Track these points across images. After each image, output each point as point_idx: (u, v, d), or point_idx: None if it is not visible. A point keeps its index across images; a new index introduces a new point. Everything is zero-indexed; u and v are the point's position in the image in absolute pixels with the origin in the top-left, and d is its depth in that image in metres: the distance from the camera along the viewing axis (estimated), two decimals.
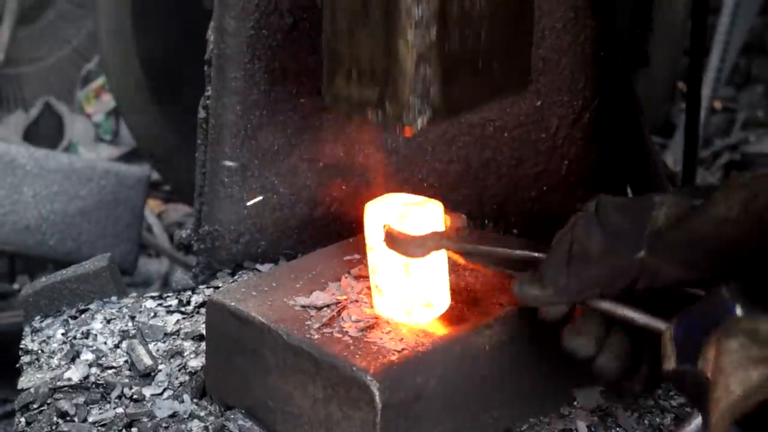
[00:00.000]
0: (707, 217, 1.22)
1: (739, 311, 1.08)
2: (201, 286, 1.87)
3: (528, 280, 1.34)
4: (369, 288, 1.53)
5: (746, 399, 1.02)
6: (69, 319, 1.77)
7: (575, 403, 1.54)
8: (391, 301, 1.47)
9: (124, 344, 1.70)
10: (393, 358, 1.39)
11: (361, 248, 1.64)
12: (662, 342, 1.19)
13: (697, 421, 1.39)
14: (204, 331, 1.64)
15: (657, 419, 1.52)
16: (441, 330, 1.45)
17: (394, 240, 1.44)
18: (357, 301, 1.51)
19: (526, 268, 1.39)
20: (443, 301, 1.48)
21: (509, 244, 1.45)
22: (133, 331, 1.72)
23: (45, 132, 4.53)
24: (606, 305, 1.32)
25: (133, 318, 1.76)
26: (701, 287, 1.22)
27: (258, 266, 1.88)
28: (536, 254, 1.41)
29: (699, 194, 1.25)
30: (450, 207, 1.50)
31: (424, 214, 1.46)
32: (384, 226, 1.44)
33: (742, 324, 1.06)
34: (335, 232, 1.90)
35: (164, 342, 1.70)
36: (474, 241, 1.44)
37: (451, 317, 1.48)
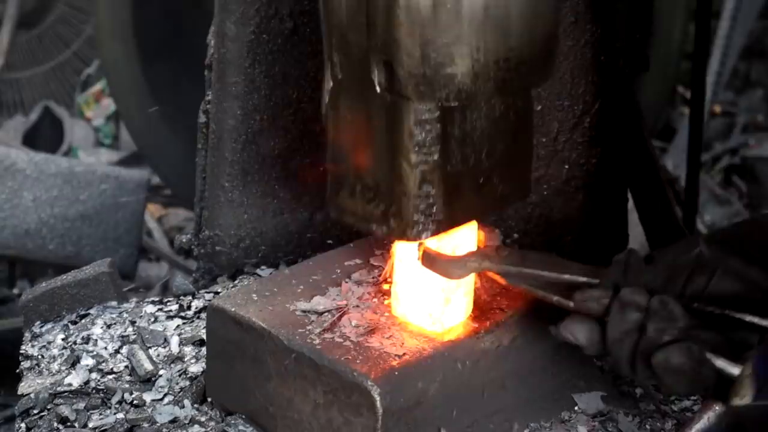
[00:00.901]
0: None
1: None
2: (201, 291, 1.86)
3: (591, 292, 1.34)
4: (370, 293, 1.53)
5: None
6: (69, 324, 1.77)
7: (576, 407, 1.53)
8: (413, 307, 1.47)
9: (124, 349, 1.69)
10: (394, 363, 1.39)
11: (361, 253, 1.64)
12: (740, 379, 1.21)
13: (699, 426, 1.39)
14: (204, 336, 1.64)
15: (658, 424, 1.52)
16: (442, 335, 1.44)
17: (432, 260, 1.42)
18: (358, 306, 1.51)
19: (571, 293, 1.39)
20: (466, 305, 1.48)
21: (553, 266, 1.44)
22: (134, 336, 1.72)
23: (45, 136, 4.52)
24: (556, 298, 1.37)
25: (133, 323, 1.76)
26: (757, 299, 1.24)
27: (258, 271, 1.88)
28: (582, 279, 1.41)
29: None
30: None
31: (461, 232, 1.46)
32: (420, 246, 1.43)
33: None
34: (336, 237, 1.90)
35: (165, 347, 1.70)
36: (517, 263, 1.43)
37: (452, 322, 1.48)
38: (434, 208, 1.36)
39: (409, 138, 1.32)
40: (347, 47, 1.34)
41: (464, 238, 1.47)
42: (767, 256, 1.28)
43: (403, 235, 1.38)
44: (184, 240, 1.98)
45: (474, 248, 1.46)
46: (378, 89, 1.33)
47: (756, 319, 1.28)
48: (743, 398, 1.19)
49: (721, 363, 1.26)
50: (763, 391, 1.18)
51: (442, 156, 1.34)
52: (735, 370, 1.25)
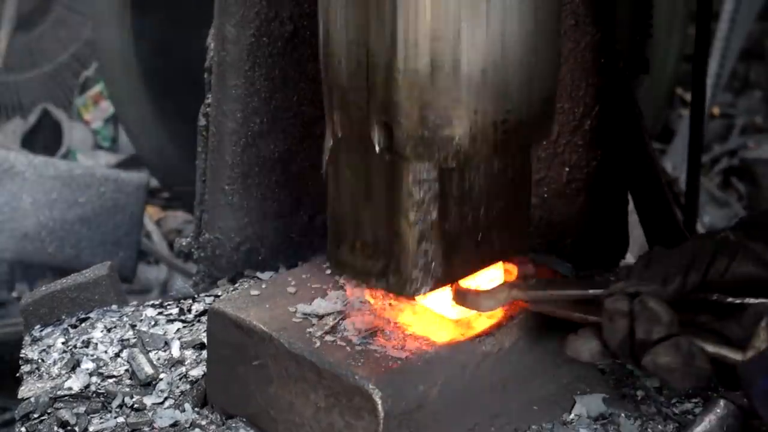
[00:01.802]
0: None
1: None
2: (201, 295, 1.86)
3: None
4: (371, 296, 1.53)
5: None
6: (69, 328, 1.76)
7: (577, 410, 1.53)
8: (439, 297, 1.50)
9: (124, 353, 1.69)
10: (395, 366, 1.38)
11: None
12: (755, 332, 1.22)
13: (699, 429, 1.39)
14: (205, 340, 1.64)
15: (660, 426, 1.51)
16: (443, 338, 1.44)
17: (463, 297, 1.45)
18: (359, 309, 1.51)
19: (599, 309, 1.40)
20: None
21: (577, 285, 1.45)
22: (134, 340, 1.72)
23: (43, 139, 4.52)
24: (593, 318, 1.37)
25: (133, 326, 1.76)
26: None
27: (259, 274, 1.88)
28: (601, 291, 1.41)
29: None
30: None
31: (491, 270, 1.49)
32: (453, 286, 1.46)
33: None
34: None
35: (165, 351, 1.69)
36: (543, 288, 1.46)
37: (453, 325, 1.48)
38: (433, 264, 1.39)
39: (408, 197, 1.35)
40: (347, 107, 1.36)
41: (495, 272, 1.51)
42: None
43: (402, 291, 1.41)
44: (184, 243, 1.98)
45: (502, 280, 1.50)
46: (377, 149, 1.35)
47: None
48: (754, 349, 1.21)
49: (713, 349, 1.27)
50: None
51: (441, 215, 1.37)
52: (731, 354, 1.25)
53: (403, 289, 1.40)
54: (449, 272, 1.42)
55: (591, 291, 1.42)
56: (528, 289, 1.46)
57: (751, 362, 1.22)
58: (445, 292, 1.49)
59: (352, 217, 1.42)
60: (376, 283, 1.43)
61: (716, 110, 4.78)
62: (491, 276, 1.51)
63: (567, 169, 1.93)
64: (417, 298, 1.44)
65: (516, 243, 1.52)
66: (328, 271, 1.60)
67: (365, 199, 1.39)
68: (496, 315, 1.49)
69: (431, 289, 1.41)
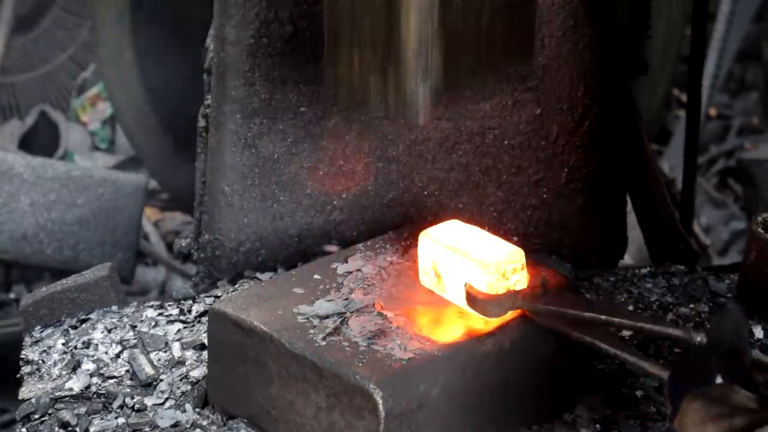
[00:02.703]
0: None
1: (718, 380, 1.19)
2: (201, 295, 1.86)
3: None
4: (372, 296, 1.54)
5: None
6: (69, 329, 1.76)
7: (578, 410, 1.54)
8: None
9: (125, 354, 1.69)
10: (396, 366, 1.39)
11: (363, 256, 1.64)
12: (664, 393, 1.27)
13: None
14: (205, 340, 1.64)
15: (659, 426, 1.52)
16: (444, 338, 1.45)
17: (473, 300, 1.47)
18: (360, 309, 1.51)
19: (595, 332, 1.43)
20: None
21: (581, 305, 1.47)
22: (134, 341, 1.72)
23: (41, 140, 4.51)
24: (598, 343, 1.42)
25: (134, 327, 1.76)
26: None
27: (258, 275, 1.88)
28: (603, 317, 1.44)
29: None
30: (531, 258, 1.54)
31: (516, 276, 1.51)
32: (465, 285, 1.48)
33: (714, 390, 1.17)
34: (336, 240, 1.90)
35: (165, 351, 1.69)
36: (548, 303, 1.47)
37: (454, 325, 1.48)
38: (434, 77, 1.35)
39: (409, 2, 1.31)
40: None
41: (519, 283, 1.51)
42: None
43: (403, 107, 1.37)
44: (183, 244, 1.98)
45: (515, 288, 1.51)
46: None
47: None
48: (668, 410, 1.23)
49: None
50: (674, 406, 1.21)
51: (442, 21, 1.33)
52: None
53: (404, 104, 1.37)
54: (450, 84, 1.38)
55: (588, 315, 1.44)
56: (534, 301, 1.47)
57: None
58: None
59: (350, 32, 1.38)
60: (375, 101, 1.39)
61: (713, 111, 4.78)
62: (514, 281, 1.51)
63: (566, 169, 1.94)
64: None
65: (518, 52, 1.49)
66: (329, 272, 1.61)
67: (365, 10, 1.35)
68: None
69: (431, 106, 1.37)
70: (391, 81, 1.36)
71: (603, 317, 1.45)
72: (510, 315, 1.48)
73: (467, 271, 1.49)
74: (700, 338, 1.37)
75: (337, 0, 1.39)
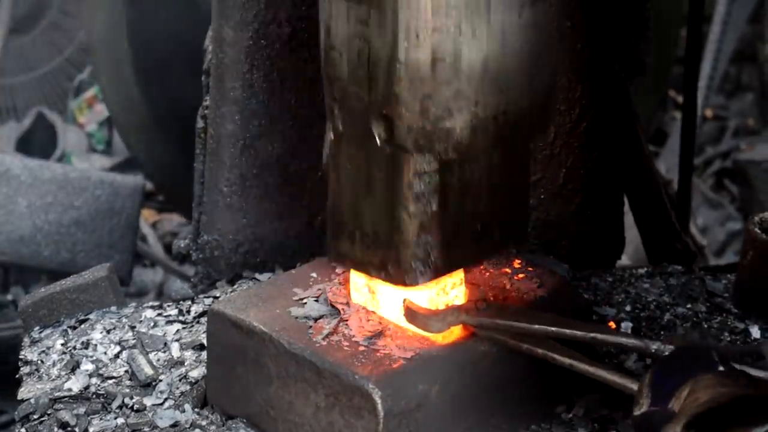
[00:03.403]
0: None
1: (721, 368, 1.23)
2: (200, 296, 1.87)
3: None
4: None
5: (708, 403, 1.16)
6: (68, 330, 1.77)
7: (576, 409, 1.54)
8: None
9: (124, 354, 1.69)
10: (395, 365, 1.39)
11: None
12: (638, 391, 1.28)
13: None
14: (204, 341, 1.64)
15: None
16: (443, 338, 1.45)
17: (413, 315, 1.45)
18: (358, 309, 1.51)
19: (545, 344, 1.42)
20: None
21: (530, 318, 1.46)
22: (133, 341, 1.72)
23: (38, 142, 4.51)
24: (551, 354, 1.41)
25: (133, 328, 1.76)
26: None
27: (257, 276, 1.89)
28: (553, 329, 1.43)
29: None
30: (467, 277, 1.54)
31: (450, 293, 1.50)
32: (404, 301, 1.46)
33: (722, 372, 1.22)
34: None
35: (164, 352, 1.70)
36: (493, 316, 1.46)
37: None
38: (432, 256, 1.40)
39: (408, 189, 1.36)
40: (348, 100, 1.37)
41: (457, 298, 1.51)
42: None
43: (401, 282, 1.42)
44: (182, 245, 1.98)
45: (454, 303, 1.50)
46: (378, 141, 1.36)
47: None
48: (639, 408, 1.26)
49: None
50: (654, 399, 1.24)
51: (441, 206, 1.38)
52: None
53: (403, 279, 1.41)
54: (448, 263, 1.43)
55: (537, 327, 1.43)
56: (478, 315, 1.46)
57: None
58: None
59: (352, 208, 1.43)
60: (376, 274, 1.43)
61: (709, 113, 4.79)
62: (453, 296, 1.50)
63: (563, 170, 1.94)
64: (415, 287, 1.44)
65: (515, 236, 1.52)
66: (327, 273, 1.61)
67: (366, 191, 1.40)
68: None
69: (430, 279, 1.42)
70: (392, 257, 1.40)
71: (552, 329, 1.43)
72: (455, 330, 1.46)
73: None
74: (656, 347, 1.38)
75: (340, 183, 1.43)
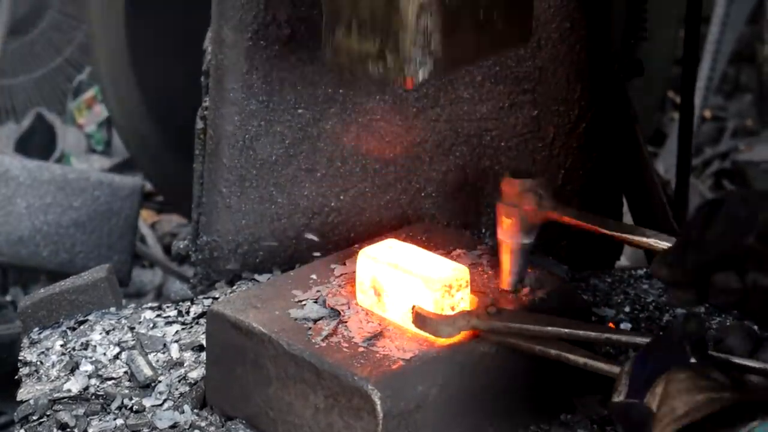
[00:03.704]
0: None
1: (693, 360, 1.22)
2: (199, 297, 1.87)
3: (659, 262, 1.35)
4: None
5: (687, 416, 1.15)
6: (68, 331, 1.77)
7: (576, 411, 1.54)
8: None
9: (123, 355, 1.69)
10: (394, 366, 1.40)
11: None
12: (618, 377, 1.27)
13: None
14: (203, 342, 1.64)
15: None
16: (441, 338, 1.45)
17: (423, 321, 1.44)
18: (357, 311, 1.52)
19: (558, 345, 1.42)
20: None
21: (540, 320, 1.45)
22: (133, 342, 1.72)
23: (37, 143, 4.51)
24: (565, 354, 1.41)
25: (132, 329, 1.76)
26: None
27: (256, 276, 1.89)
28: (566, 330, 1.43)
29: None
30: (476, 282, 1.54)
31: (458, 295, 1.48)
32: (413, 307, 1.45)
33: (694, 365, 1.20)
34: (334, 242, 1.90)
35: (164, 353, 1.70)
36: (503, 320, 1.45)
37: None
38: (432, 42, 1.33)
39: None
40: None
41: (463, 300, 1.49)
42: None
43: (401, 72, 1.35)
44: (181, 246, 1.98)
45: (459, 305, 1.49)
46: None
47: None
48: (617, 396, 1.25)
49: None
50: (631, 390, 1.23)
51: None
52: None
53: (402, 69, 1.34)
54: (449, 54, 1.36)
55: (550, 329, 1.43)
56: (489, 319, 1.45)
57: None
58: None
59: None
60: (373, 67, 1.37)
61: (708, 113, 4.79)
62: (458, 299, 1.49)
63: (562, 171, 1.95)
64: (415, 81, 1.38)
65: (517, 31, 1.47)
66: (326, 274, 1.61)
67: None
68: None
69: (430, 72, 1.35)
70: (390, 44, 1.33)
71: (566, 330, 1.43)
72: (462, 335, 1.45)
73: (411, 288, 1.47)
74: None
75: None
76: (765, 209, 1.29)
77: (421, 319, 1.44)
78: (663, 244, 1.43)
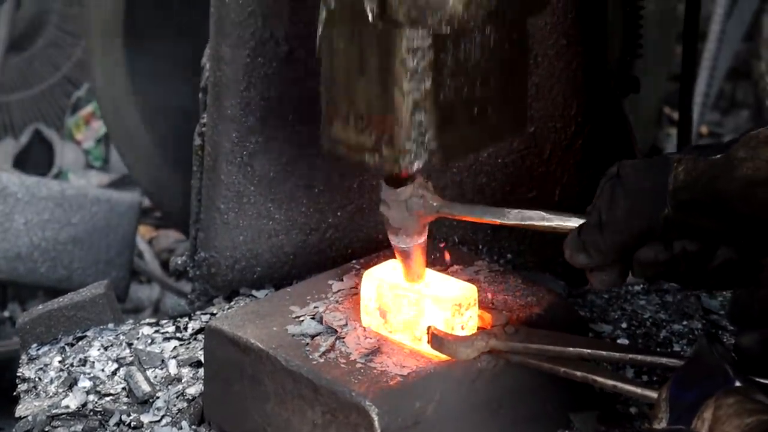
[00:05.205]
0: (732, 178, 1.21)
1: (738, 383, 1.19)
2: (197, 313, 1.87)
3: (575, 249, 1.36)
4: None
5: None
6: (66, 347, 1.77)
7: (572, 426, 1.54)
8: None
9: (121, 371, 1.70)
10: (392, 382, 1.40)
11: (357, 274, 1.65)
12: (656, 403, 1.25)
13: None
14: (201, 358, 1.65)
15: None
16: (440, 355, 1.45)
17: (440, 342, 1.43)
18: (355, 327, 1.52)
19: (580, 366, 1.40)
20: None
21: (559, 340, 1.44)
22: (131, 358, 1.72)
23: (35, 159, 4.52)
24: (591, 376, 1.37)
25: (130, 345, 1.76)
26: (733, 240, 1.25)
27: (254, 292, 1.89)
28: (588, 351, 1.41)
29: (716, 150, 1.24)
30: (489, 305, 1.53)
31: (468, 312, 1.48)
32: (428, 328, 1.44)
33: (740, 389, 1.18)
34: (330, 258, 1.91)
35: (162, 368, 1.70)
36: (523, 340, 1.44)
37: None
38: (426, 136, 1.35)
39: (402, 65, 1.32)
40: None
41: (471, 319, 1.49)
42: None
43: (395, 164, 1.37)
44: (179, 262, 1.98)
45: (481, 328, 1.48)
46: (370, 17, 1.32)
47: None
48: (658, 422, 1.23)
49: None
50: (673, 415, 1.22)
51: (435, 84, 1.34)
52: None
53: (396, 161, 1.36)
54: (444, 147, 1.38)
55: (571, 350, 1.41)
56: (507, 339, 1.44)
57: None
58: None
59: (345, 90, 1.39)
60: (369, 158, 1.39)
61: (704, 129, 4.81)
62: (467, 317, 1.48)
63: (559, 187, 1.95)
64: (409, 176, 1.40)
65: (514, 123, 1.49)
66: (324, 290, 1.62)
67: (359, 72, 1.36)
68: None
69: (424, 163, 1.38)
70: (386, 138, 1.36)
71: (587, 351, 1.41)
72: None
73: (420, 308, 1.46)
74: None
75: (332, 66, 1.40)
76: (662, 174, 1.28)
77: (437, 340, 1.42)
78: (569, 224, 1.41)
